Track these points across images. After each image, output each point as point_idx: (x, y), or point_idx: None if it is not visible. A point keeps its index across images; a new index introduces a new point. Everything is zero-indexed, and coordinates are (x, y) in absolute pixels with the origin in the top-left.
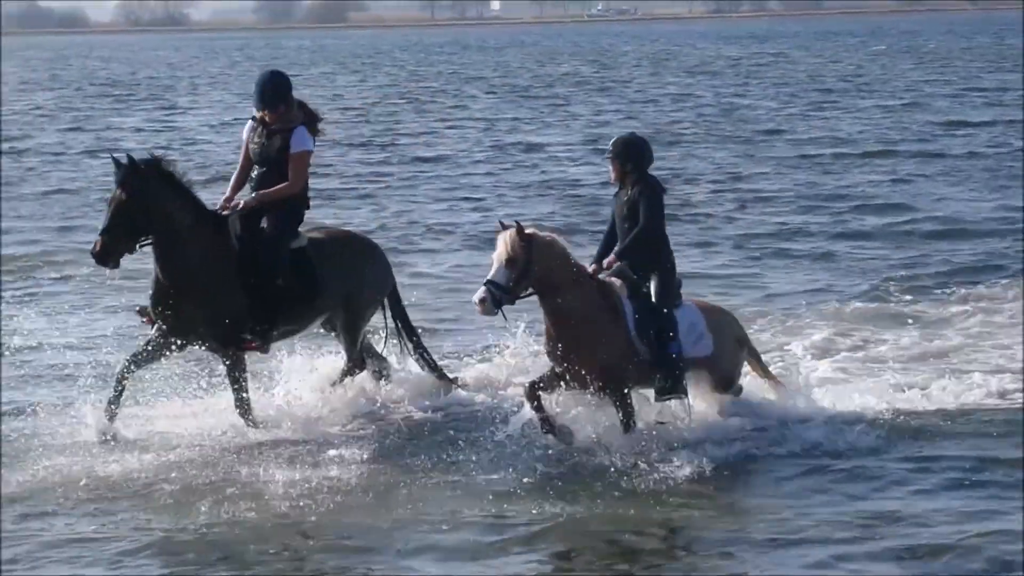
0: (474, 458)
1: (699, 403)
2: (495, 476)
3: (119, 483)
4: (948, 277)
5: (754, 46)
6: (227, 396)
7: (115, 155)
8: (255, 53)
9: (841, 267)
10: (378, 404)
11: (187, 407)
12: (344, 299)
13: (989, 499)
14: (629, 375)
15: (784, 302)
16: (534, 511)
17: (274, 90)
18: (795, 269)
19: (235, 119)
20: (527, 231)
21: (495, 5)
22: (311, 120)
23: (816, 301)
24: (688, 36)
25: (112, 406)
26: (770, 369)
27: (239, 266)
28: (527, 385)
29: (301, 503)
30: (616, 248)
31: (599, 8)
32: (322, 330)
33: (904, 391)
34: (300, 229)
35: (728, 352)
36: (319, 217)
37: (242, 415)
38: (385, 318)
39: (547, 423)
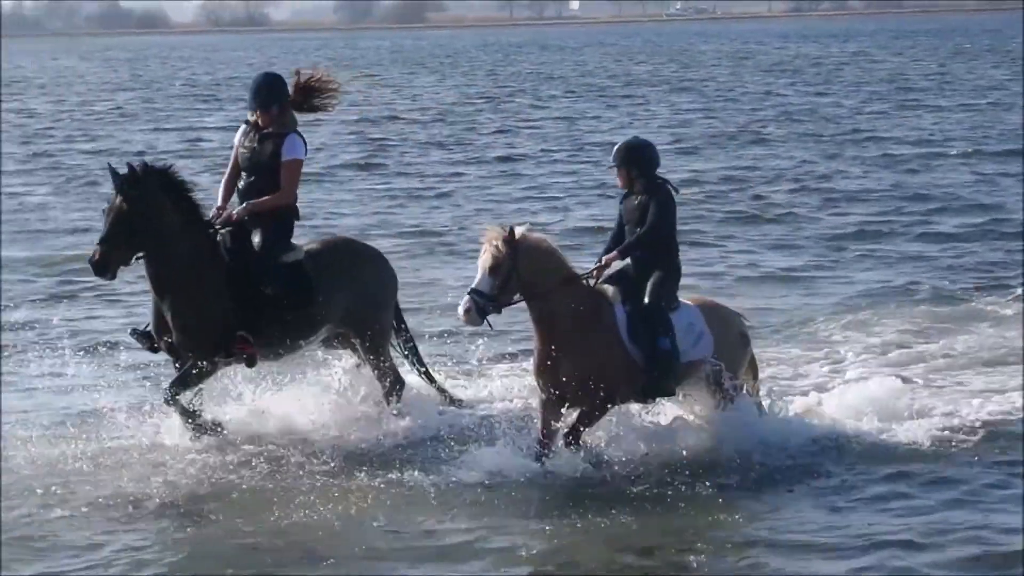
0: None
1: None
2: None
3: (194, 487)
4: None
5: (834, 45)
6: (287, 395)
7: (113, 164)
8: (334, 53)
9: (923, 266)
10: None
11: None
12: (346, 309)
13: None
14: (614, 387)
15: (862, 301)
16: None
17: (268, 90)
18: (876, 268)
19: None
20: (513, 235)
21: (574, 5)
22: (306, 94)
23: (896, 300)
24: (767, 35)
25: (191, 422)
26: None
27: (228, 277)
28: (540, 435)
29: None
30: (621, 245)
31: (677, 7)
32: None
33: (980, 396)
34: (299, 241)
35: (731, 348)
36: (399, 218)
37: (177, 383)
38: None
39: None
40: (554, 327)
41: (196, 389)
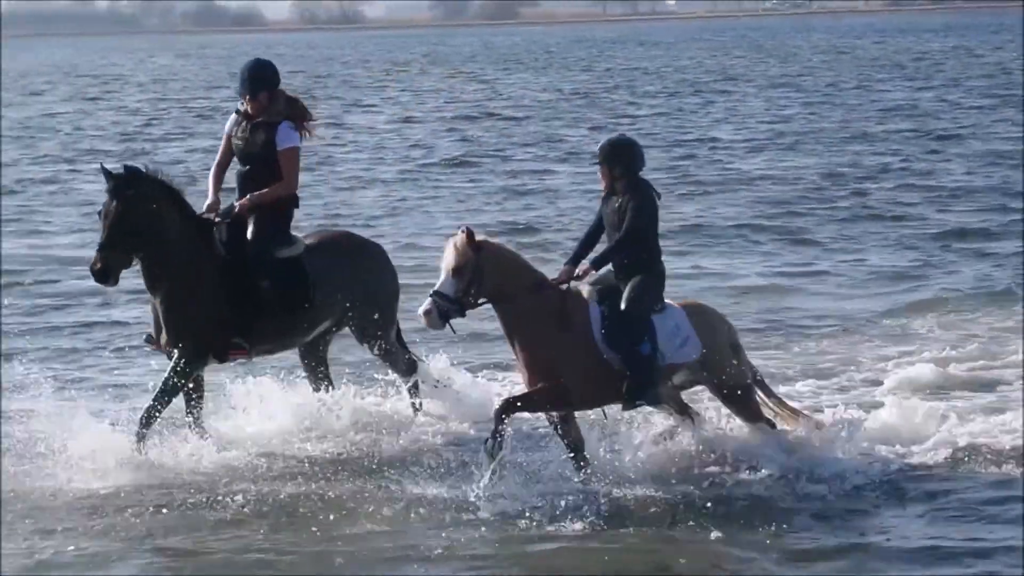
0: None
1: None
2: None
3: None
4: None
5: (934, 40)
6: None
7: (105, 166)
8: (427, 49)
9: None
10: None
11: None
12: (344, 309)
13: None
14: (575, 384)
15: (956, 303)
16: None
17: (258, 75)
18: (979, 266)
19: (410, 115)
20: (476, 238)
21: (670, 1)
22: (297, 116)
23: (998, 300)
24: (864, 29)
25: (195, 424)
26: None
27: (223, 273)
28: (500, 404)
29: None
30: (594, 255)
31: (773, 2)
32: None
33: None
34: (298, 234)
35: (721, 352)
36: (495, 215)
37: (143, 422)
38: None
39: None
40: (524, 330)
41: (190, 394)
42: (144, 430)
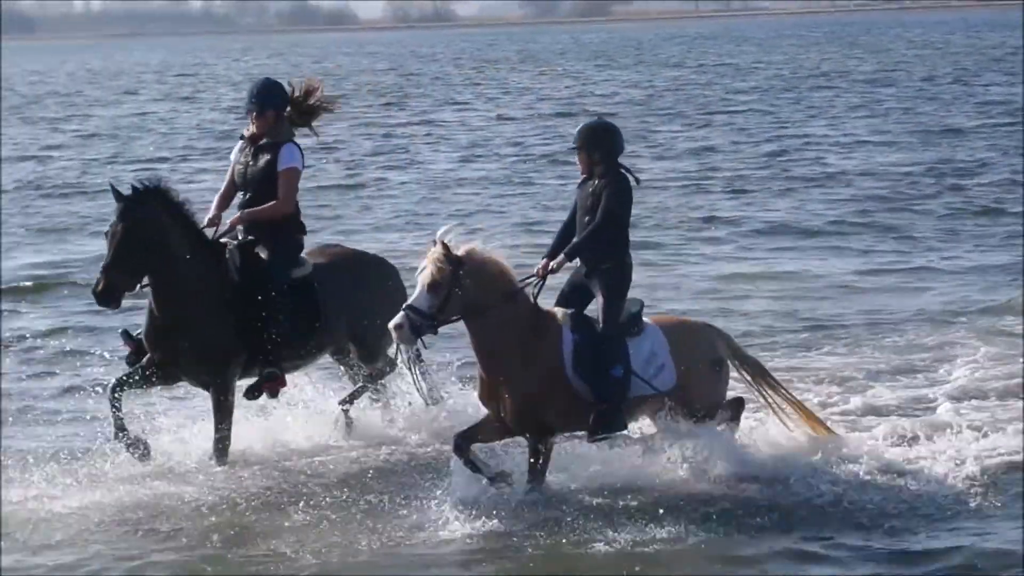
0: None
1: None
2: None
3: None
4: None
5: None
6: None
7: (114, 184)
8: (520, 47)
9: None
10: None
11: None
12: (351, 329)
13: None
14: (554, 419)
15: None
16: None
17: (266, 92)
18: None
19: (503, 114)
20: (457, 252)
21: None
22: (305, 113)
23: None
24: (957, 24)
25: (121, 434)
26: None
27: (236, 299)
28: (456, 438)
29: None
30: (569, 245)
31: None
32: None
33: None
34: (304, 252)
35: (699, 378)
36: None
37: (218, 453)
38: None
39: (475, 466)
40: (494, 353)
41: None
42: (225, 459)
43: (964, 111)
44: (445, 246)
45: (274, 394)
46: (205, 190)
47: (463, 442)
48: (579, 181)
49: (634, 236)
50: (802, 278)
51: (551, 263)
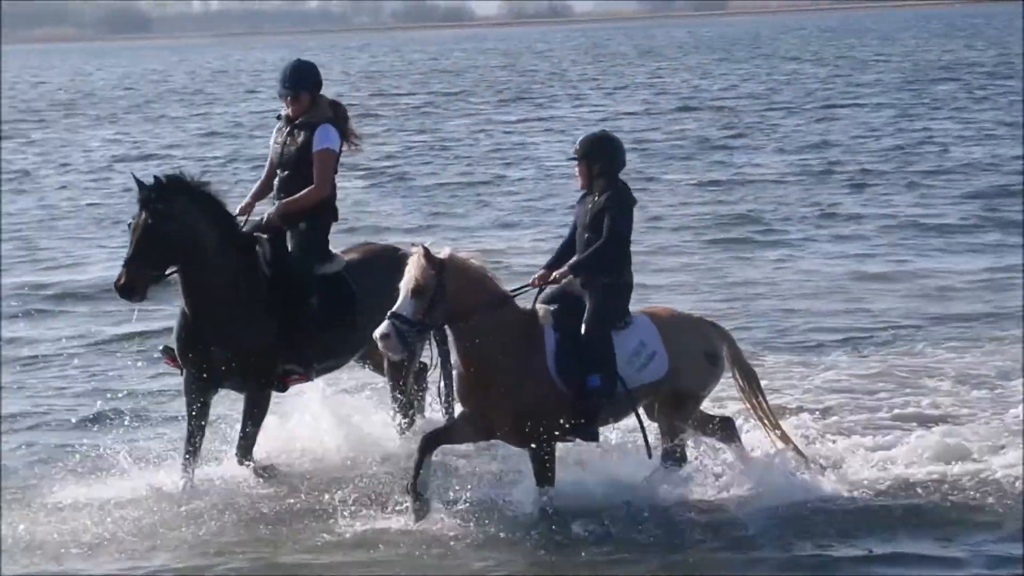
0: None
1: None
2: None
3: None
4: None
5: None
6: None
7: (137, 175)
8: (637, 42)
9: None
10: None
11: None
12: None
13: None
14: (551, 421)
15: None
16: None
17: (298, 74)
18: None
19: (597, 114)
20: (439, 255)
21: None
22: (341, 119)
23: None
24: None
25: (189, 470)
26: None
27: (269, 294)
28: (424, 438)
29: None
30: (572, 260)
31: None
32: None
33: None
34: (339, 250)
35: (690, 368)
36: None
37: (241, 453)
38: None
39: (415, 489)
40: (479, 358)
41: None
42: (250, 456)
43: None
44: (426, 250)
45: (284, 388)
46: None
47: (428, 445)
48: (579, 196)
49: (763, 228)
50: (928, 276)
51: (553, 274)
